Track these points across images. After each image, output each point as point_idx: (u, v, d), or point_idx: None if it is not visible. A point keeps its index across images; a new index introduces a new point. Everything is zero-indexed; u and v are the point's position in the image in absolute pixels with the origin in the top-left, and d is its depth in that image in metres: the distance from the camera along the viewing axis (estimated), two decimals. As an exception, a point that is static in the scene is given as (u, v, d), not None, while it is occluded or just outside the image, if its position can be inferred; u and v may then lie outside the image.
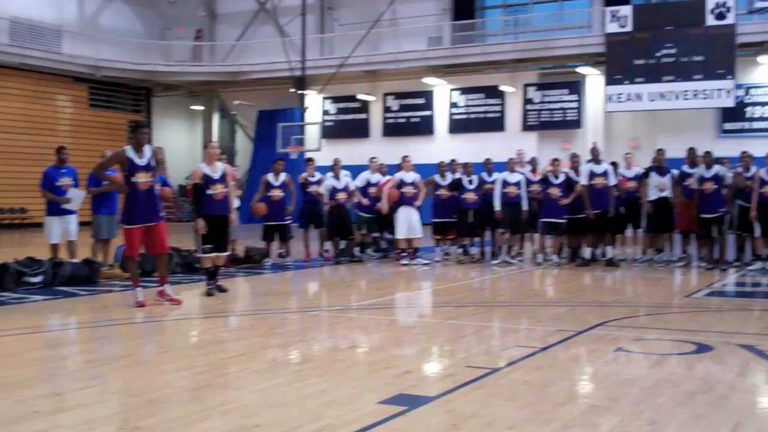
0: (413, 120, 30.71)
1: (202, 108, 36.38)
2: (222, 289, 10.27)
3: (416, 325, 8.59)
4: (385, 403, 4.82)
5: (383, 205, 14.58)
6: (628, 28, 25.04)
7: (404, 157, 15.02)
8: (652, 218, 13.96)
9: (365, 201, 15.05)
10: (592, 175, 13.90)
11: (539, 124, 28.42)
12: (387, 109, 31.28)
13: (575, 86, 27.85)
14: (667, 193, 13.86)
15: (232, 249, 12.71)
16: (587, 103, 27.53)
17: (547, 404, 4.84)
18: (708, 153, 13.66)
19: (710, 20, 24.03)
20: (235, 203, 10.87)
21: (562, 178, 14.08)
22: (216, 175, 9.99)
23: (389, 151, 24.73)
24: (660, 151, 14.33)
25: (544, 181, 14.17)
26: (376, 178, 15.30)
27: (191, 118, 38.21)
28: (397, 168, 15.03)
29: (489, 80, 29.58)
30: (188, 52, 35.17)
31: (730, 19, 23.83)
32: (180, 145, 35.71)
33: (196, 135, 37.34)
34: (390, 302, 10.31)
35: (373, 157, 15.89)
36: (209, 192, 9.93)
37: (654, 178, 13.97)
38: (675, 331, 7.98)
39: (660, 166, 14.08)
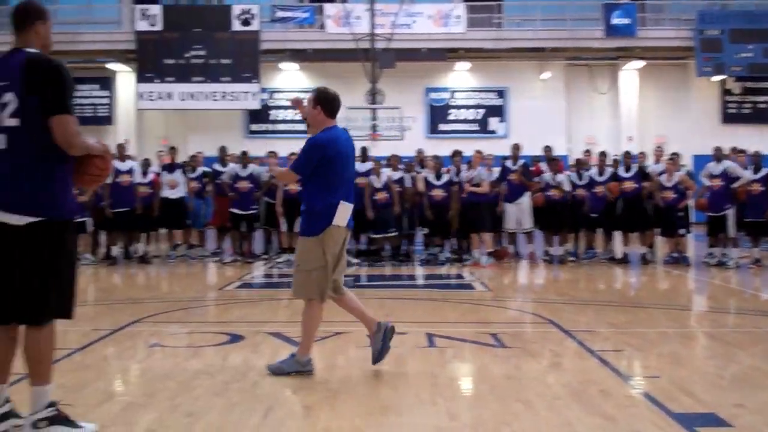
0: None
1: None
2: None
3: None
4: None
5: None
6: (159, 27, 25.10)
7: None
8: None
9: None
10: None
11: (69, 119, 27.15)
12: None
13: (106, 82, 27.20)
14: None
15: None
16: (119, 99, 27.06)
17: (83, 406, 4.70)
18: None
19: (236, 25, 25.08)
20: None
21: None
22: None
23: None
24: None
25: None
26: None
27: None
28: None
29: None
30: None
31: (254, 26, 25.13)
32: None
33: None
34: None
35: None
36: None
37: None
38: (209, 323, 8.30)
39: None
